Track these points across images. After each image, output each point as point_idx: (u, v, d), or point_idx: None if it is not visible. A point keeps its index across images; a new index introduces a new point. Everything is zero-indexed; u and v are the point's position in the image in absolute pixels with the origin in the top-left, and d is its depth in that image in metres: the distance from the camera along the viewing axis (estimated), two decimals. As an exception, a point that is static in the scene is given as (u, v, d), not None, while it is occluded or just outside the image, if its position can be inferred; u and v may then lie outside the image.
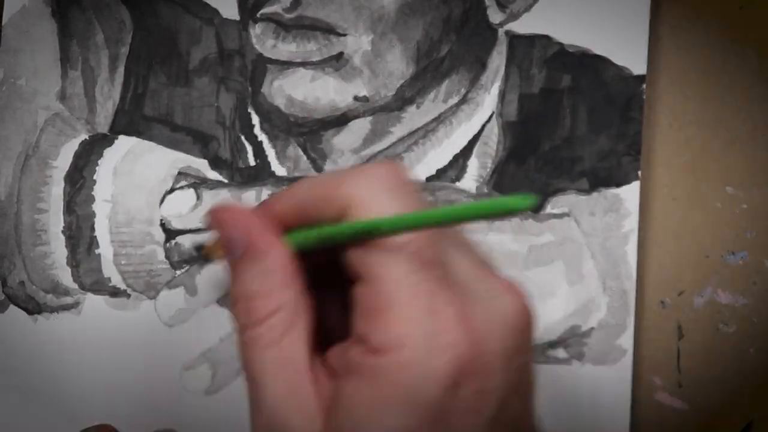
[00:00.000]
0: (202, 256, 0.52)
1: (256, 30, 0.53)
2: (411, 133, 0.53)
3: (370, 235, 0.35)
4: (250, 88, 0.54)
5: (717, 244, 0.53)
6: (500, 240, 0.52)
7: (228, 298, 0.52)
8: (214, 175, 0.53)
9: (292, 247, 0.38)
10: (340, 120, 0.53)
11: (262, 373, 0.36)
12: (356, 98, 0.53)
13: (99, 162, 0.53)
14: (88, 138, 0.54)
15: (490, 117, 0.53)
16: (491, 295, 0.36)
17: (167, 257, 0.53)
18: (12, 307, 0.53)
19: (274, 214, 0.38)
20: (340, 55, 0.53)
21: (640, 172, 0.52)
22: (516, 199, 0.32)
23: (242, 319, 0.37)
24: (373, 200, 0.36)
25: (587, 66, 0.53)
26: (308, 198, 0.37)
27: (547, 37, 0.53)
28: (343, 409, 0.35)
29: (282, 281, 0.37)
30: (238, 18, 0.54)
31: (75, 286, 0.53)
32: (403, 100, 0.53)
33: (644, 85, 0.52)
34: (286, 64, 0.53)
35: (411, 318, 0.34)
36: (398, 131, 0.53)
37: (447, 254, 0.36)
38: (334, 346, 0.38)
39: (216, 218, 0.39)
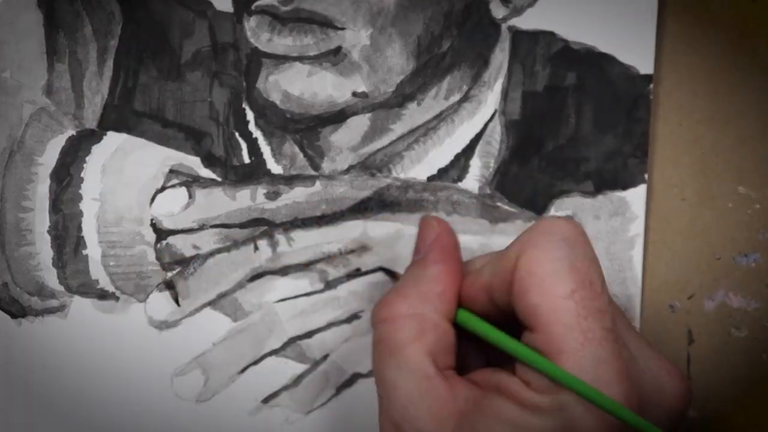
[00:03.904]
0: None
1: (250, 23, 0.53)
2: (411, 131, 0.53)
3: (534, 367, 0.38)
4: (244, 83, 0.53)
5: (728, 246, 0.53)
6: (503, 243, 0.52)
7: (221, 301, 0.52)
8: (207, 173, 0.53)
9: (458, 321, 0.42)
10: (338, 116, 0.53)
11: (395, 374, 0.40)
12: (355, 94, 0.53)
13: (87, 159, 0.53)
14: (75, 134, 0.53)
15: (493, 115, 0.53)
16: (657, 373, 0.40)
17: (158, 258, 0.52)
18: (-6, 311, 0.53)
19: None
20: (338, 49, 0.52)
21: (646, 175, 0.52)
22: None
23: (377, 309, 0.42)
24: (536, 249, 0.39)
25: (592, 64, 0.53)
26: (489, 272, 0.41)
27: (551, 34, 0.53)
28: (485, 418, 0.38)
29: (427, 293, 0.41)
30: (232, 10, 0.53)
31: (61, 288, 0.53)
32: (403, 96, 0.53)
33: (651, 85, 0.52)
34: (282, 59, 0.53)
35: (578, 366, 0.36)
36: (398, 128, 0.53)
37: (614, 321, 0.39)
38: (482, 369, 0.41)
39: (430, 222, 0.44)
